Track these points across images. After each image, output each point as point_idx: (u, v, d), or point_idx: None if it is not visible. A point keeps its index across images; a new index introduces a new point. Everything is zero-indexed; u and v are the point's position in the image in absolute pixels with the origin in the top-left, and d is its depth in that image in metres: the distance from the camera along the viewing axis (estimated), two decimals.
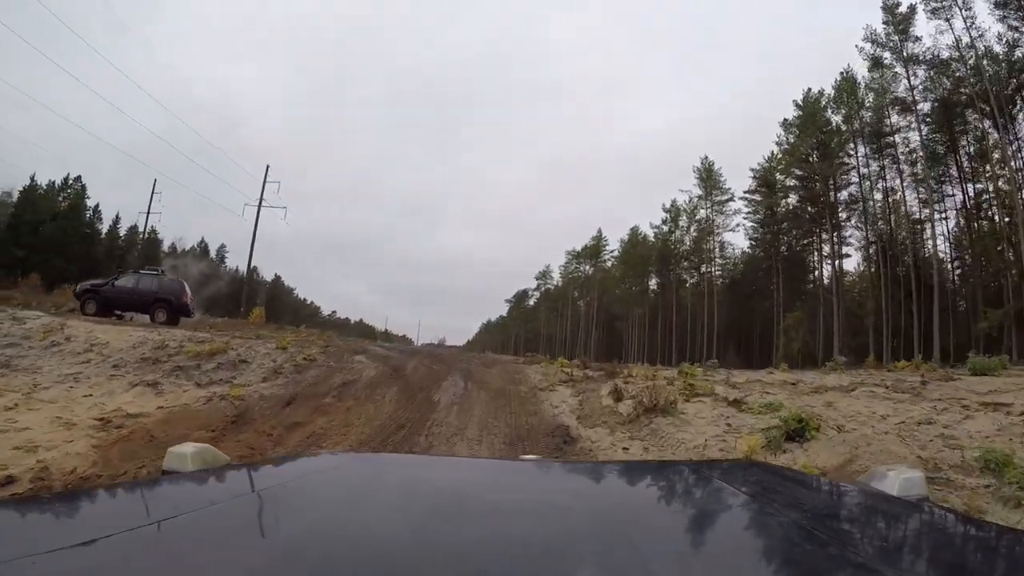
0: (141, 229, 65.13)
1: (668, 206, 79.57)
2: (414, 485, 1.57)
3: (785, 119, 62.13)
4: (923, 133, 49.33)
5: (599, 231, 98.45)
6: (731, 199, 72.06)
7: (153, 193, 59.31)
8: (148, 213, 60.71)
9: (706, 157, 74.79)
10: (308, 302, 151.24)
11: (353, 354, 17.34)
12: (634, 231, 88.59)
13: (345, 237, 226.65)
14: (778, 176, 64.37)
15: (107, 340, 15.18)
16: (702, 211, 74.75)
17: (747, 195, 68.99)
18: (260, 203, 53.42)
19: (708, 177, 73.76)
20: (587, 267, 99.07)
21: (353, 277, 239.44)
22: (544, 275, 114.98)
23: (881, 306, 50.26)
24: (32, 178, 74.31)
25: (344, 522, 1.19)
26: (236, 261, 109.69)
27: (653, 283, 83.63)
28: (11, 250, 65.64)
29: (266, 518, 1.23)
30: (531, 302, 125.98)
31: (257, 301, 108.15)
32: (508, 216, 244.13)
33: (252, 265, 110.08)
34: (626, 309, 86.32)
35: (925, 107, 49.35)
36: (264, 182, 53.39)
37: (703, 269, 77.05)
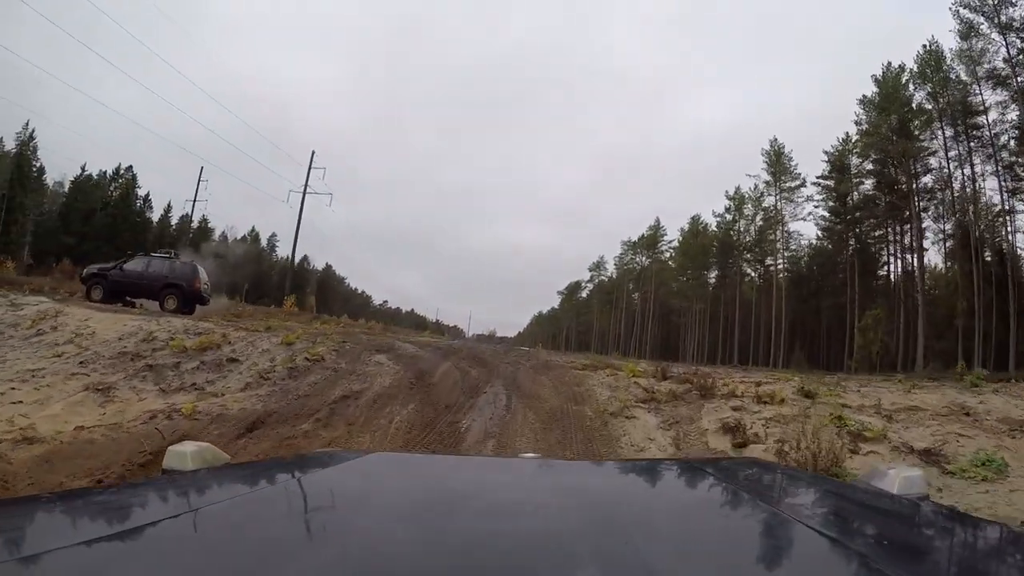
0: (190, 217, 65.78)
1: (731, 193, 74.49)
2: (414, 483, 1.58)
3: (864, 96, 56.47)
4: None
5: (657, 220, 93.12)
6: (802, 184, 66.30)
7: (200, 181, 59.09)
8: (195, 201, 61.23)
9: (775, 139, 68.84)
10: (360, 292, 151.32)
11: (374, 352, 14.28)
12: (695, 220, 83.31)
13: (399, 229, 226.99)
14: (854, 160, 59.31)
15: (96, 330, 13.65)
16: (769, 198, 69.49)
17: (820, 180, 63.49)
18: (305, 189, 52.21)
19: (777, 161, 68.01)
20: (643, 258, 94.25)
21: (405, 268, 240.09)
22: (598, 266, 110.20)
23: (973, 306, 44.89)
24: (83, 168, 74.84)
25: (344, 521, 1.20)
26: (287, 251, 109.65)
27: (713, 276, 79.08)
28: (61, 238, 65.90)
29: (266, 518, 1.19)
30: (583, 294, 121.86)
31: (307, 290, 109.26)
32: (561, 209, 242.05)
33: (303, 255, 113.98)
34: (685, 303, 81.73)
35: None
36: (309, 168, 52.08)
37: (767, 262, 72.21)
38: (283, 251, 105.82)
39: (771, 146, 68.99)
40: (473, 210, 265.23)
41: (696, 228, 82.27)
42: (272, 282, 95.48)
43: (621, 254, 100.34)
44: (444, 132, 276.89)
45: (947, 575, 1.03)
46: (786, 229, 68.69)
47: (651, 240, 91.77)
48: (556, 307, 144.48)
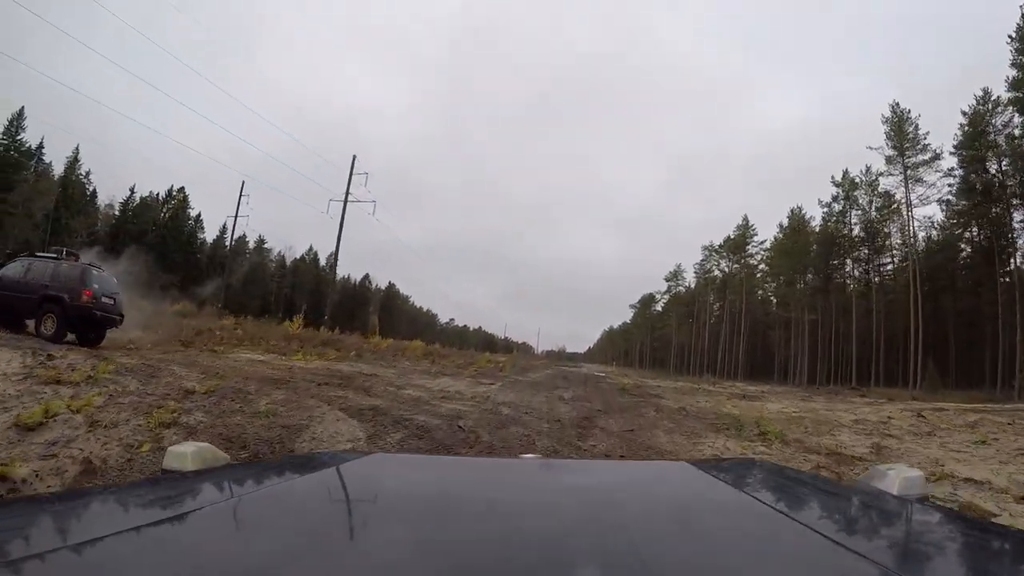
0: (230, 233, 63.42)
1: (839, 178, 63.19)
2: (414, 484, 1.57)
3: (1019, 26, 44.12)
4: None
5: (744, 218, 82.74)
6: (937, 157, 53.16)
7: (240, 196, 56.96)
8: (236, 217, 58.40)
9: (897, 104, 56.01)
10: (425, 311, 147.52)
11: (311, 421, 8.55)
12: (795, 213, 72.13)
13: (468, 244, 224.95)
14: (996, 120, 47.35)
15: None
16: (891, 176, 57.14)
17: (960, 151, 50.51)
18: (347, 196, 47.84)
19: (899, 131, 55.11)
20: (729, 264, 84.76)
21: (474, 284, 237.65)
22: (675, 275, 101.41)
23: None
24: (131, 190, 74.38)
25: (344, 521, 1.21)
26: (348, 269, 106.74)
27: (811, 278, 67.56)
28: (109, 258, 62.59)
29: (266, 518, 1.19)
30: (658, 307, 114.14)
31: (369, 310, 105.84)
32: (633, 219, 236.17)
33: (364, 274, 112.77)
34: (784, 312, 71.62)
35: None
36: (351, 174, 47.83)
37: (883, 259, 61.19)
38: (346, 270, 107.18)
39: (893, 112, 56.02)
40: (542, 223, 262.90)
41: (797, 222, 71.17)
42: (333, 302, 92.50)
43: (702, 260, 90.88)
44: (512, 146, 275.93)
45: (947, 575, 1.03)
46: (912, 216, 56.19)
47: (738, 242, 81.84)
48: (628, 321, 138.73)
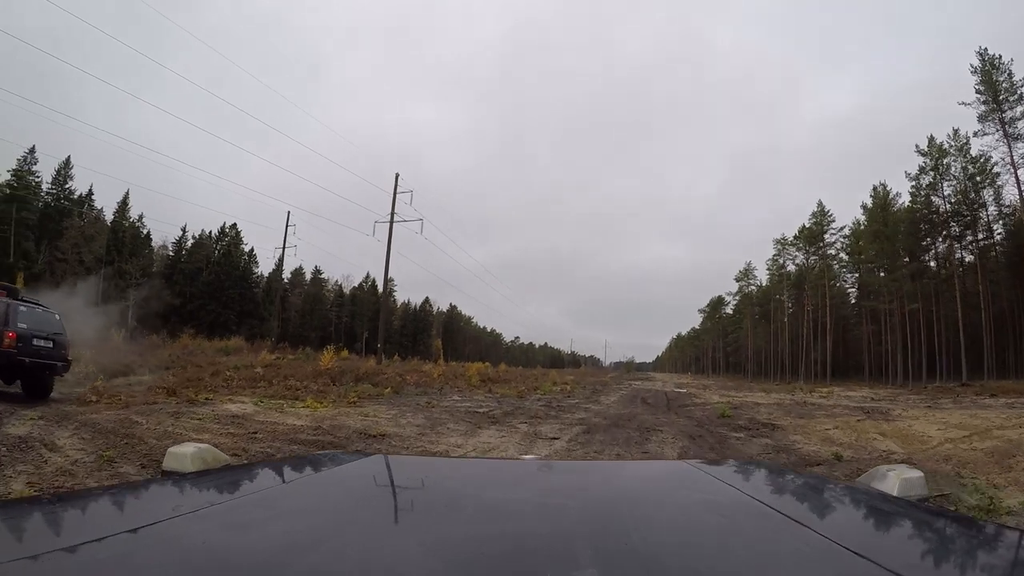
0: (279, 263, 60.85)
1: (924, 146, 55.65)
2: (414, 485, 1.59)
3: None
4: None
5: (820, 205, 76.11)
6: None
7: (287, 226, 56.15)
8: (284, 248, 57.07)
9: (985, 50, 48.44)
10: (489, 331, 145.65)
11: None
12: (879, 191, 64.88)
13: (530, 263, 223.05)
14: None
15: None
16: (986, 136, 49.33)
17: None
18: (392, 215, 45.67)
19: (990, 82, 47.49)
20: (806, 255, 78.18)
21: (538, 302, 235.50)
22: (746, 273, 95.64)
23: None
24: (183, 229, 74.92)
25: (344, 521, 1.23)
26: (409, 294, 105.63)
27: (905, 262, 59.76)
28: (166, 299, 64.64)
29: (266, 519, 1.20)
30: (728, 309, 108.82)
31: (432, 334, 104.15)
32: (694, 225, 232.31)
33: (423, 297, 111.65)
34: (873, 303, 65.03)
35: None
36: (395, 193, 45.76)
37: (985, 231, 53.55)
38: (408, 295, 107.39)
39: (981, 58, 48.56)
40: (605, 235, 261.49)
41: (882, 200, 63.93)
42: (394, 328, 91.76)
43: (774, 255, 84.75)
44: (570, 162, 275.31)
45: (947, 575, 1.04)
46: (1018, 177, 47.61)
47: (815, 232, 75.58)
48: (697, 327, 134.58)
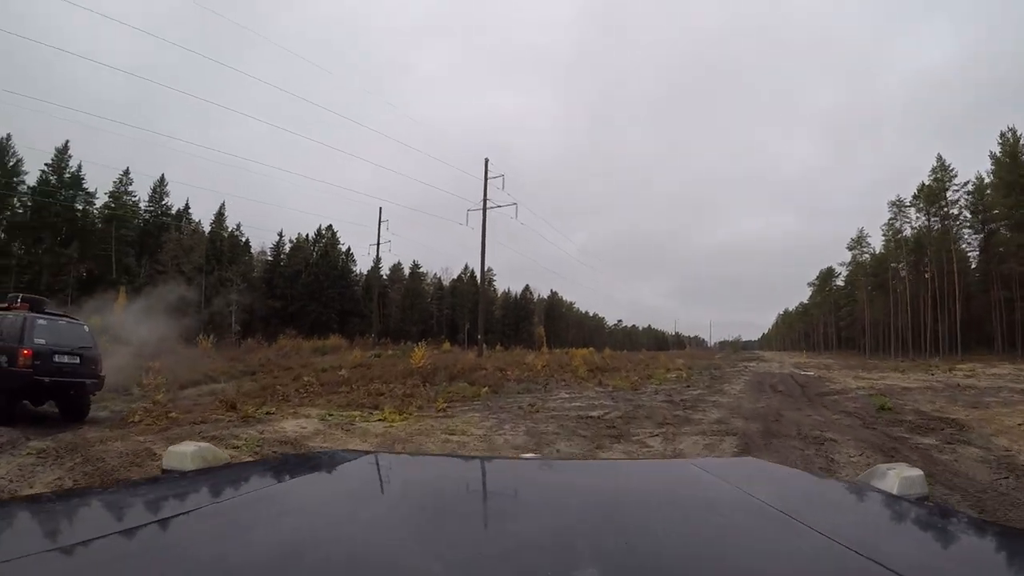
0: (373, 261, 62.32)
1: None
2: (414, 484, 1.59)
3: None
4: None
5: (939, 158, 68.95)
6: None
7: (380, 222, 55.98)
8: (378, 244, 57.33)
9: None
10: (591, 315, 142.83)
11: None
12: (1009, 137, 58.24)
13: (629, 245, 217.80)
14: None
15: None
16: None
17: None
18: (485, 201, 43.72)
19: None
20: (926, 217, 71.35)
21: (639, 284, 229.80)
22: (859, 241, 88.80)
23: None
24: (280, 234, 76.76)
25: (345, 521, 1.20)
26: (509, 283, 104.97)
27: None
28: (267, 303, 67.72)
29: (266, 517, 1.18)
30: (838, 280, 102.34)
31: (533, 321, 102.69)
32: (794, 196, 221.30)
33: (523, 285, 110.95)
34: (1006, 267, 58.01)
35: None
36: (486, 179, 43.63)
37: None
38: (508, 284, 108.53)
39: None
40: (704, 213, 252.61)
41: (1012, 147, 57.54)
42: (495, 317, 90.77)
43: (890, 219, 78.06)
44: (662, 140, 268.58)
45: (947, 575, 1.03)
46: None
47: (935, 190, 68.67)
48: (805, 301, 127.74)
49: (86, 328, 12.98)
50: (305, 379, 19.19)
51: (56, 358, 11.66)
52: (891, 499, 1.39)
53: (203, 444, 1.58)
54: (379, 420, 11.67)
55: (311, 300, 71.89)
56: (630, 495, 1.54)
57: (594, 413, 13.24)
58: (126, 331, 26.96)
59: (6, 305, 12.67)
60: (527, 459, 2.44)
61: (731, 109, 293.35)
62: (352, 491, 1.48)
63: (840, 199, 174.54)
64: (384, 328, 67.55)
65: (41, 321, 11.87)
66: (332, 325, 65.95)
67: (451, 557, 0.96)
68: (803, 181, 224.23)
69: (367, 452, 2.21)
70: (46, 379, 11.32)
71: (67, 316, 13.09)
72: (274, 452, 8.46)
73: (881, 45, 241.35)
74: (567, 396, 17.72)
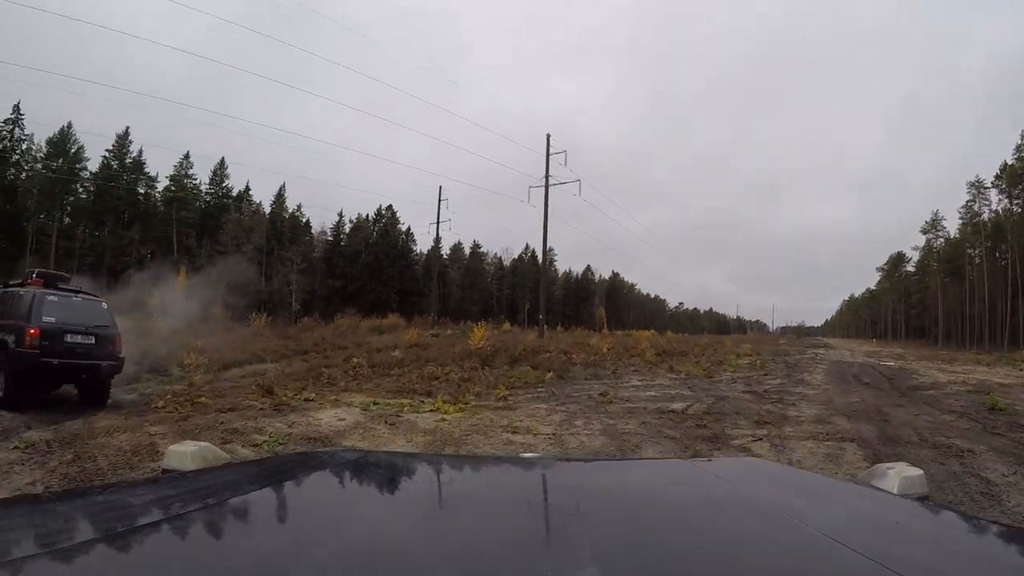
0: (433, 240, 60.66)
1: None
2: (414, 483, 1.59)
3: None
4: None
5: None
6: None
7: (440, 200, 54.24)
8: (438, 222, 55.22)
9: None
10: (653, 297, 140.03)
11: None
12: None
13: (692, 227, 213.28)
14: None
15: None
16: None
17: None
18: (547, 178, 42.03)
19: None
20: (1009, 200, 66.79)
21: (701, 267, 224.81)
22: (933, 225, 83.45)
23: None
24: (340, 214, 77.36)
25: (344, 520, 1.19)
26: (570, 263, 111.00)
27: None
28: (327, 282, 69.09)
29: (266, 517, 1.20)
30: (908, 266, 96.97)
31: (594, 302, 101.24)
32: (862, 180, 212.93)
33: (585, 265, 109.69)
34: None
35: None
36: (548, 155, 41.76)
37: None
38: (569, 264, 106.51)
39: None
40: (769, 196, 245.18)
41: None
42: (555, 297, 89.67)
43: (967, 202, 73.42)
44: (724, 123, 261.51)
45: (947, 575, 1.02)
46: None
47: (1018, 170, 63.54)
48: (873, 288, 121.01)
49: (104, 305, 11.83)
50: (355, 360, 17.96)
51: (68, 338, 10.59)
52: (891, 499, 1.38)
53: (203, 444, 1.55)
54: (430, 410, 10.26)
55: (371, 279, 72.04)
56: (630, 495, 1.52)
57: (674, 406, 11.71)
58: (181, 310, 26.53)
59: (20, 282, 11.71)
60: (527, 458, 2.22)
61: (798, 91, 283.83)
62: (352, 491, 1.46)
63: (911, 183, 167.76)
64: (444, 308, 67.67)
65: (52, 297, 10.79)
66: (392, 304, 65.94)
67: (451, 557, 0.95)
68: (872, 164, 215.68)
69: (367, 452, 2.56)
70: (55, 361, 10.21)
71: (84, 291, 11.96)
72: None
73: (957, 22, 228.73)
74: (639, 384, 16.28)
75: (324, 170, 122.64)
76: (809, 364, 26.62)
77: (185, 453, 1.47)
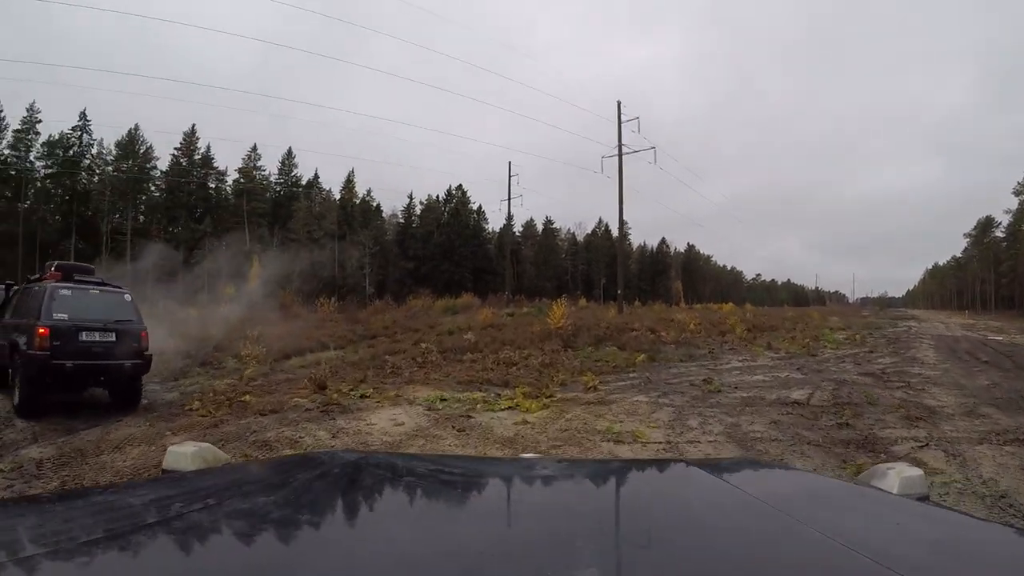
0: (505, 218, 60.89)
1: None
2: (414, 483, 1.56)
3: None
4: None
5: None
6: None
7: (510, 176, 53.79)
8: (509, 199, 55.01)
9: None
10: (729, 269, 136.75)
11: None
12: None
13: (767, 196, 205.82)
14: None
15: None
16: None
17: None
18: (620, 147, 40.19)
19: None
20: None
21: (777, 236, 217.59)
22: None
23: None
24: (410, 196, 77.43)
25: (344, 521, 1.20)
26: (645, 237, 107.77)
27: None
28: (400, 264, 68.89)
29: (266, 518, 1.17)
30: (998, 231, 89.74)
31: (671, 275, 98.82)
32: (946, 141, 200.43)
33: (660, 238, 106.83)
34: None
35: None
36: (619, 123, 39.91)
37: None
38: (643, 238, 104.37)
39: None
40: (847, 162, 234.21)
41: None
42: (631, 271, 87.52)
43: None
44: (799, 85, 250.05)
45: (947, 575, 1.02)
46: None
47: None
48: (959, 255, 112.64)
49: (127, 296, 10.39)
50: (424, 346, 16.43)
51: (83, 336, 9.26)
52: (891, 499, 1.36)
53: (203, 444, 1.54)
54: (508, 407, 8.68)
55: (444, 260, 71.72)
56: (630, 495, 1.53)
57: (794, 395, 10.02)
58: (250, 298, 25.96)
59: (38, 276, 10.67)
60: (527, 459, 2.12)
61: (875, 49, 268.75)
62: (352, 491, 1.42)
63: (997, 143, 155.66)
64: (518, 286, 66.73)
65: (64, 291, 9.47)
66: (466, 284, 65.37)
67: (451, 557, 0.95)
68: (955, 125, 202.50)
69: (368, 453, 2.46)
70: (68, 363, 8.89)
71: (104, 283, 10.54)
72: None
73: None
74: (741, 365, 14.55)
75: (393, 153, 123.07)
76: (912, 340, 24.34)
77: (185, 453, 1.46)
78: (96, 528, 1.03)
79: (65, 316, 9.11)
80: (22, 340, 9.14)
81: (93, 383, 9.65)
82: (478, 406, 8.83)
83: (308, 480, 1.48)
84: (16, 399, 9.04)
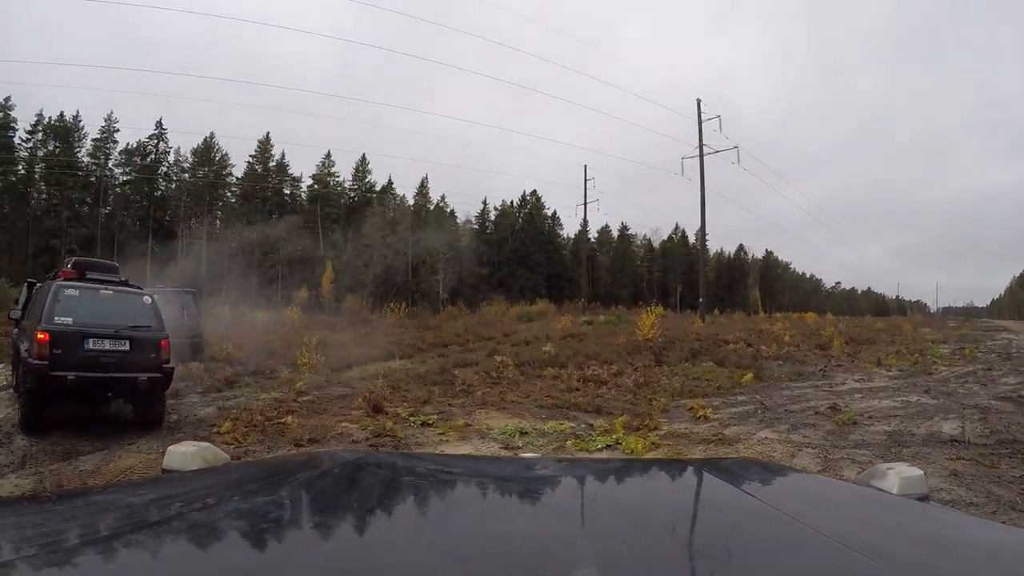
0: (580, 224, 62.03)
1: None
2: (414, 483, 1.55)
3: None
4: None
5: None
6: None
7: (586, 181, 52.93)
8: (585, 204, 54.36)
9: None
10: (808, 276, 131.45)
11: None
12: None
13: (848, 199, 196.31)
14: None
15: None
16: None
17: None
18: (701, 146, 38.43)
19: None
20: None
21: (857, 243, 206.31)
22: None
23: None
24: (484, 202, 76.44)
25: (344, 521, 1.20)
26: (721, 243, 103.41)
27: None
28: (474, 269, 67.54)
29: (266, 518, 1.18)
30: None
31: (748, 283, 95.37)
32: None
33: (737, 244, 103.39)
34: None
35: None
36: (699, 121, 38.17)
37: None
38: (720, 244, 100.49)
39: None
40: (932, 165, 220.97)
41: None
42: (708, 279, 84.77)
43: None
44: (887, 81, 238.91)
45: (947, 575, 1.03)
46: None
47: None
48: None
49: (147, 299, 8.98)
50: (499, 359, 14.78)
51: (89, 344, 7.93)
52: (891, 499, 1.37)
53: (203, 444, 1.53)
54: (606, 444, 7.06)
55: (518, 266, 70.95)
56: (630, 495, 1.53)
57: (944, 428, 8.34)
58: (319, 303, 25.15)
59: (53, 274, 9.68)
60: (527, 459, 2.06)
61: (967, 44, 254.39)
62: (352, 491, 1.43)
63: None
64: (593, 292, 65.59)
65: (70, 291, 8.17)
66: (540, 290, 64.76)
67: (451, 557, 0.96)
68: None
69: (367, 453, 2.42)
70: (69, 375, 7.55)
71: (120, 282, 9.17)
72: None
73: None
74: (858, 386, 12.93)
75: (467, 159, 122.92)
76: (1022, 354, 22.12)
77: (185, 453, 1.46)
78: (96, 528, 1.02)
79: (69, 320, 7.85)
80: (24, 346, 8.04)
81: (101, 399, 8.29)
82: (568, 442, 7.28)
83: (308, 480, 1.46)
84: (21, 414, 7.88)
